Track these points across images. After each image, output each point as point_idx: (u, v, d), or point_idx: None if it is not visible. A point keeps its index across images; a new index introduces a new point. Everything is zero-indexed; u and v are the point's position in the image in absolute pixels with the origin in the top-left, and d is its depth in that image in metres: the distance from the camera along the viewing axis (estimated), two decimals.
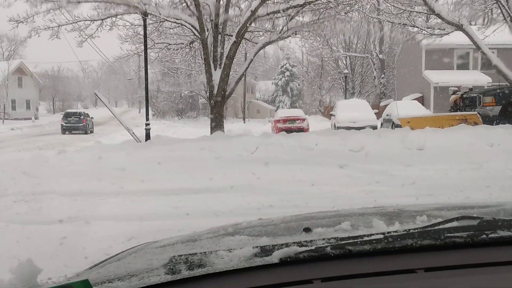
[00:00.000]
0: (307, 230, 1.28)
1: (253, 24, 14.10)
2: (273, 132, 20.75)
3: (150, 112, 30.38)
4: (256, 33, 15.72)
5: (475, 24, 17.78)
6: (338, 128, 17.90)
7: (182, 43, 16.10)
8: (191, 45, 16.07)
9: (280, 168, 7.54)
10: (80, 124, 31.34)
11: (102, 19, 13.58)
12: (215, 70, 13.32)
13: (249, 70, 34.79)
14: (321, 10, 13.50)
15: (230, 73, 13.99)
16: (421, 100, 28.03)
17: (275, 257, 1.04)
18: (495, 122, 12.32)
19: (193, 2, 13.05)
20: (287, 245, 1.07)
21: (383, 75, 44.85)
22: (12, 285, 0.90)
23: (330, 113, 23.17)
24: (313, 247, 1.06)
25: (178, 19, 13.69)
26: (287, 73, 56.74)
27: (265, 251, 1.06)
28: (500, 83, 15.59)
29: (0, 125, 37.55)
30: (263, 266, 1.03)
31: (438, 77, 28.12)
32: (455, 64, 29.73)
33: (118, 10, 13.63)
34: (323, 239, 1.11)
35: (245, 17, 13.04)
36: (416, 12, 14.75)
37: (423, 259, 1.05)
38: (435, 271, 0.99)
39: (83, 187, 6.69)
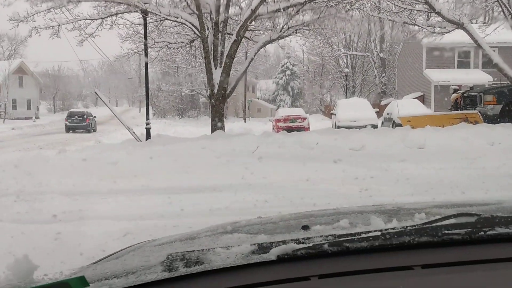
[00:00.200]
0: (305, 227, 1.28)
1: (253, 23, 14.10)
2: (273, 131, 20.75)
3: (151, 111, 30.40)
4: (256, 31, 15.71)
5: (476, 23, 17.76)
6: (339, 127, 17.90)
7: (183, 42, 16.09)
8: (191, 44, 16.06)
9: (281, 166, 7.54)
10: (84, 123, 32.15)
11: (102, 18, 13.58)
12: (216, 69, 13.32)
13: (249, 69, 34.78)
14: (322, 8, 13.49)
15: (231, 72, 13.99)
16: (422, 99, 28.02)
17: (272, 254, 1.04)
18: (496, 120, 12.31)
19: (193, 1, 13.05)
20: (284, 242, 1.07)
21: (383, 74, 44.82)
22: (9, 281, 0.90)
23: (331, 112, 23.17)
24: (310, 244, 1.06)
25: (178, 18, 13.68)
26: (288, 72, 56.74)
27: (263, 248, 1.06)
28: (501, 82, 15.59)
29: (1, 125, 37.59)
30: (261, 263, 1.03)
31: (438, 75, 28.10)
32: (456, 62, 29.71)
33: (118, 9, 13.64)
34: (321, 236, 1.11)
35: (246, 16, 13.04)
36: (416, 10, 14.73)
37: (420, 256, 1.05)
38: (432, 268, 0.99)
39: (83, 186, 6.70)
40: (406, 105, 17.02)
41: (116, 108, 23.42)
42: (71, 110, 37.39)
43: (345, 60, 47.88)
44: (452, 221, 1.15)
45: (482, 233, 1.10)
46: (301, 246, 1.06)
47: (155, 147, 9.47)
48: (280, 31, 13.81)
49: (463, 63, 29.76)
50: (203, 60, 14.51)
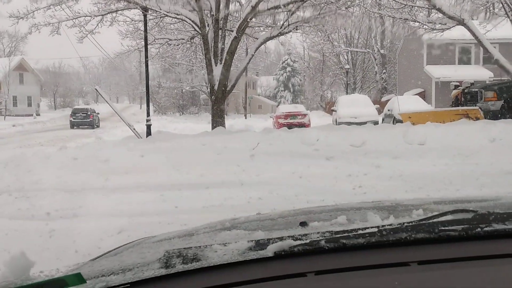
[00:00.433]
0: (303, 224, 1.28)
1: (254, 20, 14.07)
2: (274, 127, 20.74)
3: (151, 108, 30.41)
4: (257, 28, 15.69)
5: (477, 19, 17.71)
6: (340, 123, 17.88)
7: (183, 39, 16.07)
8: (191, 41, 16.04)
9: (281, 163, 7.54)
10: (88, 120, 33.51)
11: (102, 15, 13.56)
12: (216, 65, 13.30)
13: (250, 65, 34.77)
14: (322, 5, 13.46)
15: (231, 68, 13.97)
16: (423, 95, 27.98)
17: (269, 251, 1.04)
18: (497, 117, 12.30)
19: None
20: (281, 239, 1.07)
21: (384, 70, 44.75)
22: (5, 278, 0.91)
23: (332, 108, 23.15)
24: (307, 241, 1.06)
25: (178, 15, 13.67)
26: (289, 69, 56.68)
27: (260, 245, 1.07)
28: (502, 78, 15.56)
29: (2, 122, 37.60)
30: (258, 259, 1.03)
31: (439, 72, 28.06)
32: (456, 59, 29.66)
33: (118, 6, 13.61)
34: (318, 232, 1.11)
35: (246, 12, 13.01)
36: (417, 7, 14.71)
37: (417, 252, 1.05)
38: (429, 264, 0.99)
39: (81, 183, 6.71)
40: (407, 102, 17.00)
41: (116, 105, 23.44)
42: (76, 107, 39.01)
43: (345, 57, 47.81)
44: (449, 217, 1.15)
45: (479, 229, 1.10)
46: (298, 242, 1.06)
47: (155, 144, 9.47)
48: (281, 27, 13.78)
49: (464, 59, 29.71)
50: (204, 57, 14.48)
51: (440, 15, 13.64)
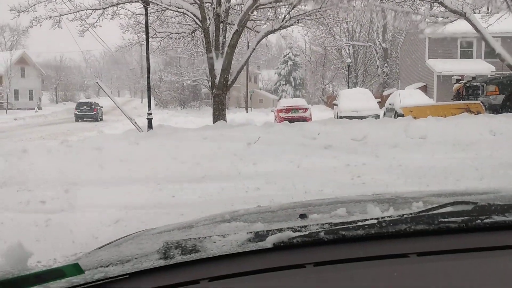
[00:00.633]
0: (302, 216, 1.28)
1: (255, 13, 14.02)
2: (275, 121, 20.72)
3: (153, 102, 30.41)
4: (258, 22, 15.64)
5: (479, 12, 17.62)
6: (341, 117, 17.85)
7: (184, 32, 16.03)
8: (193, 34, 16.00)
9: (282, 158, 7.54)
10: (92, 113, 34.70)
11: (103, 8, 13.53)
12: (217, 59, 13.28)
13: (251, 59, 34.67)
14: None
15: (233, 62, 13.95)
16: (424, 89, 27.92)
17: (268, 242, 1.04)
18: (498, 111, 12.28)
19: None
20: (281, 230, 1.07)
21: (386, 64, 44.63)
22: (2, 268, 0.91)
23: (333, 102, 23.11)
24: (306, 233, 1.06)
25: (179, 8, 13.63)
26: (290, 63, 56.55)
27: (259, 236, 1.07)
28: (504, 72, 15.50)
29: (3, 115, 37.62)
30: (257, 251, 1.03)
31: (441, 66, 27.97)
32: (458, 52, 29.56)
33: None
34: (317, 224, 1.11)
35: (247, 6, 12.97)
36: (419, 0, 14.64)
37: (416, 243, 1.05)
38: (428, 256, 0.99)
39: (84, 175, 6.71)
40: (408, 95, 16.98)
41: (118, 99, 23.44)
42: (80, 100, 40.41)
43: (347, 50, 47.68)
44: (449, 209, 1.15)
45: (479, 221, 1.10)
46: (297, 234, 1.06)
47: (156, 137, 9.47)
48: (282, 21, 13.74)
49: (466, 53, 29.60)
50: (205, 51, 14.46)
51: (442, 8, 13.58)
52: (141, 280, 0.96)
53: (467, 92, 14.71)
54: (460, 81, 15.59)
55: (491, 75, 22.87)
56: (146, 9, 13.46)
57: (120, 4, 13.80)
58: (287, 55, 56.89)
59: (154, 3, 13.38)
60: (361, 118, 14.61)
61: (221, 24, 13.37)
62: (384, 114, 18.48)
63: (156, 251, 1.04)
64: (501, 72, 16.51)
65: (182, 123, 20.89)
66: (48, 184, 6.26)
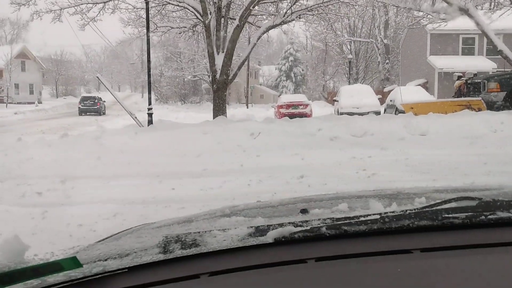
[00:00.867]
0: (303, 211, 1.27)
1: (256, 8, 13.98)
2: (276, 117, 20.69)
3: (153, 97, 30.37)
4: (259, 16, 15.59)
5: (482, 9, 17.56)
6: (342, 113, 17.83)
7: (185, 27, 15.98)
8: (194, 29, 15.96)
9: (281, 154, 7.54)
10: (95, 107, 35.75)
11: (104, 2, 13.49)
12: (218, 54, 13.25)
13: (252, 55, 34.61)
14: None
15: (233, 57, 13.91)
16: (425, 85, 27.87)
17: (269, 237, 1.03)
18: (499, 108, 12.25)
19: None
20: (282, 225, 1.06)
21: (387, 61, 44.54)
22: None
23: (334, 98, 23.07)
24: (308, 227, 1.05)
25: (180, 2, 13.59)
26: (291, 58, 56.44)
27: (260, 231, 1.05)
28: (505, 69, 15.46)
29: (4, 109, 37.60)
30: (258, 245, 1.02)
31: (442, 62, 27.91)
32: (460, 49, 29.49)
33: None
34: (319, 219, 1.09)
35: (249, 0, 12.92)
36: None
37: (419, 239, 1.03)
38: (432, 252, 0.98)
39: (84, 169, 6.72)
40: (409, 92, 16.92)
41: (118, 94, 23.42)
42: (83, 95, 41.36)
43: (348, 46, 47.53)
44: (453, 204, 1.13)
45: (483, 217, 1.08)
46: (299, 229, 1.04)
47: (156, 132, 9.46)
48: (284, 16, 13.69)
49: (468, 50, 29.53)
50: (206, 46, 14.42)
51: (445, 4, 13.51)
52: (140, 274, 0.95)
53: (468, 89, 14.68)
54: (462, 78, 15.54)
55: (492, 72, 22.82)
56: (147, 3, 13.41)
57: None
58: (288, 51, 56.77)
59: None
60: (361, 114, 14.61)
61: (222, 19, 13.33)
62: (385, 110, 18.44)
63: (156, 245, 1.03)
64: (503, 69, 16.47)
65: (183, 118, 20.86)
66: (48, 179, 6.26)
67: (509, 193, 1.55)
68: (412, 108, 12.89)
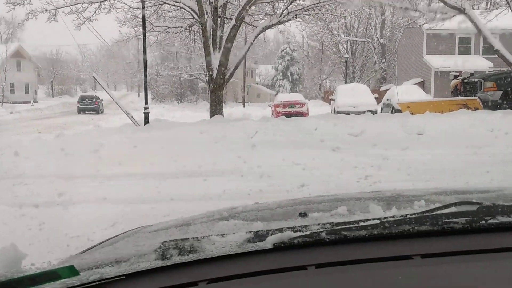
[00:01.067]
0: (302, 215, 1.26)
1: (253, 7, 13.96)
2: (272, 116, 20.69)
3: (150, 96, 30.29)
4: (256, 16, 15.57)
5: (478, 9, 17.59)
6: (338, 112, 17.82)
7: (181, 27, 15.95)
8: (190, 29, 15.92)
9: (278, 152, 7.53)
10: (93, 106, 36.61)
11: (100, 1, 13.44)
12: (215, 54, 13.23)
13: (249, 54, 34.57)
14: None
15: (230, 57, 13.89)
16: (422, 85, 27.91)
17: (268, 243, 1.01)
18: (496, 107, 12.28)
19: None
20: (281, 230, 1.05)
21: (383, 60, 44.60)
22: None
23: (330, 97, 23.08)
24: (307, 233, 1.04)
25: (177, 2, 13.56)
26: (287, 58, 56.42)
27: (259, 236, 1.04)
28: (502, 68, 15.50)
29: None
30: (256, 251, 1.01)
31: (439, 61, 27.95)
32: (456, 48, 29.54)
33: None
34: (318, 224, 1.08)
35: (245, 0, 12.90)
36: None
37: (420, 245, 1.02)
38: (432, 258, 0.97)
39: (80, 170, 6.69)
40: (406, 91, 16.94)
41: (114, 93, 23.31)
42: (82, 94, 42.97)
43: (345, 46, 47.55)
44: (453, 209, 1.13)
45: (483, 222, 1.08)
46: (298, 234, 1.03)
47: (153, 132, 9.44)
48: (280, 16, 13.68)
49: (464, 49, 29.59)
50: (202, 45, 14.40)
51: (441, 4, 13.53)
52: (138, 281, 0.94)
53: (464, 88, 14.70)
54: (458, 77, 15.57)
55: (489, 71, 22.88)
56: (143, 3, 13.37)
57: None
58: (285, 50, 56.75)
59: None
60: (358, 113, 14.61)
61: (219, 19, 13.30)
62: (382, 109, 18.45)
63: (153, 251, 1.02)
64: (499, 69, 16.52)
65: (179, 118, 20.81)
66: (44, 178, 6.23)
67: (509, 195, 1.54)
68: (408, 107, 12.91)
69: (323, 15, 15.02)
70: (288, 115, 15.84)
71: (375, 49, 45.22)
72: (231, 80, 14.58)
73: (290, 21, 14.53)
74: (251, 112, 25.91)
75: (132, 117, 13.78)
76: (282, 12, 13.64)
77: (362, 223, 1.06)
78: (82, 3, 13.31)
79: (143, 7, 13.44)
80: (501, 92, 13.01)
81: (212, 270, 0.96)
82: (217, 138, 8.56)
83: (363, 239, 1.04)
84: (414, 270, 0.93)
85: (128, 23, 16.11)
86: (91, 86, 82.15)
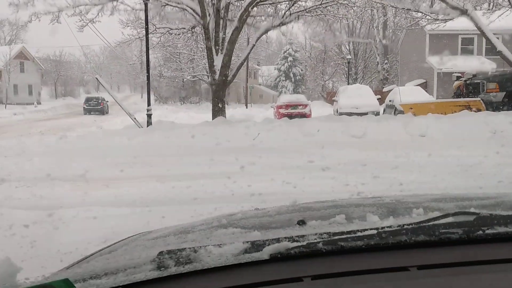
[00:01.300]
0: (301, 223, 1.25)
1: (255, 9, 13.96)
2: (275, 117, 20.67)
3: (152, 98, 30.36)
4: (258, 18, 15.57)
5: (480, 9, 17.55)
6: (341, 114, 17.81)
7: (184, 28, 15.96)
8: (193, 30, 15.94)
9: (279, 154, 7.53)
10: (99, 107, 38.22)
11: (103, 4, 13.46)
12: (217, 55, 13.24)
13: (251, 55, 34.57)
14: None
15: (232, 58, 13.90)
16: (424, 86, 27.85)
17: (265, 253, 1.01)
18: (498, 108, 12.24)
19: None
20: (278, 240, 1.05)
21: (386, 61, 44.53)
22: None
23: (333, 98, 23.06)
24: (304, 243, 1.03)
25: (179, 4, 13.57)
26: (290, 58, 56.40)
27: (256, 246, 1.04)
28: (504, 69, 15.46)
29: (3, 110, 37.55)
30: (253, 262, 1.01)
31: (441, 62, 27.86)
32: (459, 49, 29.46)
33: None
34: (315, 234, 1.08)
35: (247, 2, 12.91)
36: None
37: (417, 256, 1.02)
38: (429, 269, 0.96)
39: (85, 172, 6.70)
40: (408, 92, 16.90)
41: (117, 94, 23.38)
42: (88, 96, 44.53)
43: (347, 47, 47.50)
44: (450, 219, 1.12)
45: (481, 232, 1.07)
46: (295, 244, 1.03)
47: (156, 133, 9.45)
48: (282, 17, 13.68)
49: (467, 50, 29.50)
50: (205, 46, 14.40)
51: (443, 5, 13.51)
52: None
53: (467, 90, 14.67)
54: (461, 78, 15.54)
55: (491, 72, 22.82)
56: (145, 5, 13.40)
57: None
58: (287, 51, 56.73)
59: None
60: (360, 114, 14.59)
61: (221, 20, 13.31)
62: (384, 110, 18.43)
63: (150, 261, 1.02)
64: (502, 69, 16.47)
65: (182, 119, 20.84)
66: (47, 180, 6.25)
67: (508, 203, 1.54)
68: (411, 108, 12.89)
69: (325, 16, 15.01)
70: (291, 116, 15.84)
71: (377, 50, 45.15)
72: (233, 81, 14.58)
73: (292, 22, 14.53)
74: (253, 113, 25.95)
75: (135, 118, 13.80)
76: (285, 14, 13.64)
77: (359, 233, 1.06)
78: (85, 5, 13.34)
79: (146, 9, 13.47)
80: (504, 93, 12.98)
81: (209, 281, 0.96)
82: (219, 140, 8.56)
83: (360, 250, 1.03)
84: (410, 282, 0.93)
85: (131, 25, 16.16)
86: (94, 88, 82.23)
